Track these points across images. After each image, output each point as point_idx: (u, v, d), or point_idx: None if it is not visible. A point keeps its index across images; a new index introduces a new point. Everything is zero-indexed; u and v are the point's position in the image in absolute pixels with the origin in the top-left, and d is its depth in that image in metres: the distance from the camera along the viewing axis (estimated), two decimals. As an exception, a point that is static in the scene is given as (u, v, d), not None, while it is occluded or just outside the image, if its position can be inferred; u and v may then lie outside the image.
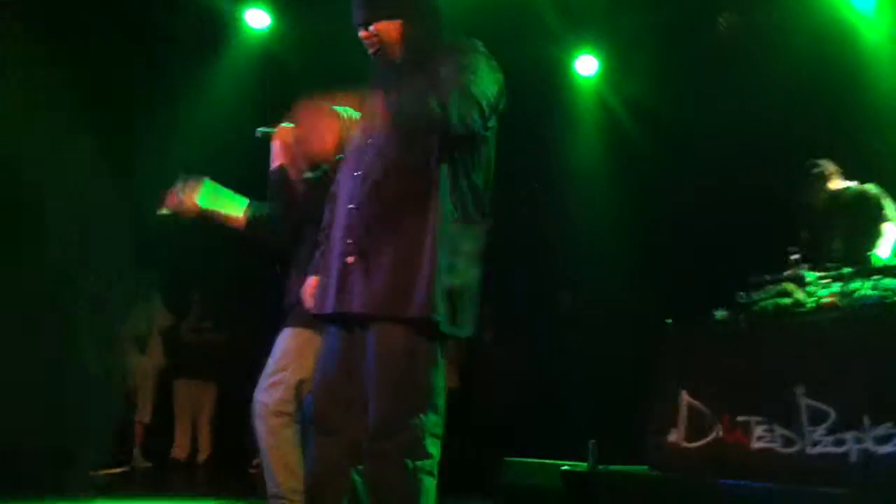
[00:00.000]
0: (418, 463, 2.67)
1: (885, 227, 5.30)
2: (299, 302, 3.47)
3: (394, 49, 2.95)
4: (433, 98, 2.69)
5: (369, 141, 2.90)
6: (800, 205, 5.79)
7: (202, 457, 8.72)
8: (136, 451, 8.38)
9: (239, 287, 9.04)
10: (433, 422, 2.72)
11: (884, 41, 6.92)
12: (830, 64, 6.97)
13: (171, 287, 8.76)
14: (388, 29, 2.94)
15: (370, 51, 2.98)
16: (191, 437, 8.72)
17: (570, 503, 5.23)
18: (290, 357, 3.65)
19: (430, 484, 2.70)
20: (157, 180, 7.77)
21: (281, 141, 3.82)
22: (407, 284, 2.70)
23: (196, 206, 3.79)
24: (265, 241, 3.94)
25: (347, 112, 3.02)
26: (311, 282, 3.06)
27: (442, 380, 2.79)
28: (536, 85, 7.81)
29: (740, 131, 7.37)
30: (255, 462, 8.52)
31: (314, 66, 8.19)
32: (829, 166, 5.68)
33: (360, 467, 2.79)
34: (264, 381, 3.67)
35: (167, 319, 8.61)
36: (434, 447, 2.72)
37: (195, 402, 8.63)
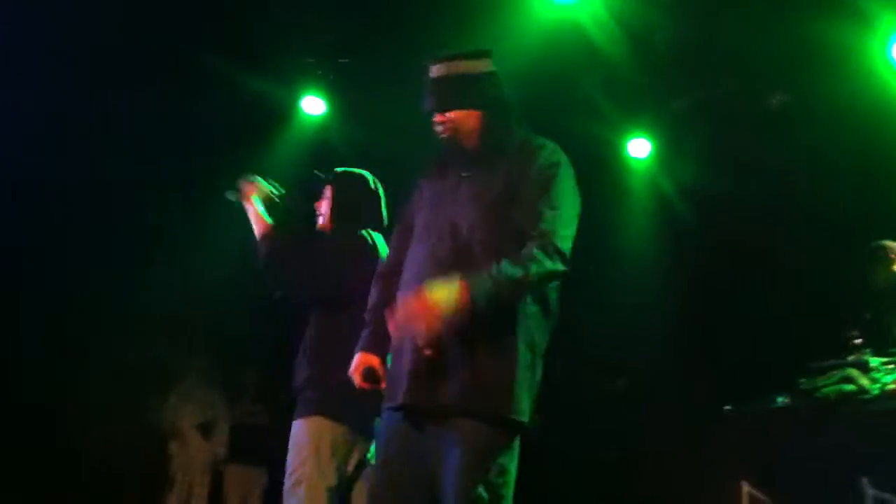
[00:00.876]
0: None
1: None
2: (307, 387, 3.46)
3: (469, 138, 2.96)
4: (517, 271, 2.66)
5: (436, 221, 2.90)
6: (864, 286, 5.68)
7: (250, 543, 8.61)
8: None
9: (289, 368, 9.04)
10: None
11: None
12: (883, 142, 6.90)
13: (224, 370, 8.79)
14: (466, 117, 2.96)
15: (442, 135, 2.99)
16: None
17: None
18: (305, 452, 3.58)
19: None
20: (214, 272, 7.99)
21: (249, 199, 3.92)
22: (496, 381, 2.69)
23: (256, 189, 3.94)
24: (277, 268, 3.87)
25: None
26: (359, 359, 3.03)
27: (516, 469, 2.78)
28: (589, 167, 7.82)
29: (794, 211, 7.30)
30: None
31: (368, 153, 8.32)
32: (893, 247, 5.57)
33: None
34: (287, 482, 3.61)
35: (224, 405, 8.61)
36: None
37: (247, 487, 8.55)
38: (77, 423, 7.83)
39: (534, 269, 2.68)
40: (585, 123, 7.97)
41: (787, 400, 5.01)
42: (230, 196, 3.96)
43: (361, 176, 4.08)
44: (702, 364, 7.60)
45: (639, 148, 8.36)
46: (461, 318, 2.62)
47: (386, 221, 4.06)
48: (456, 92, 2.96)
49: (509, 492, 2.74)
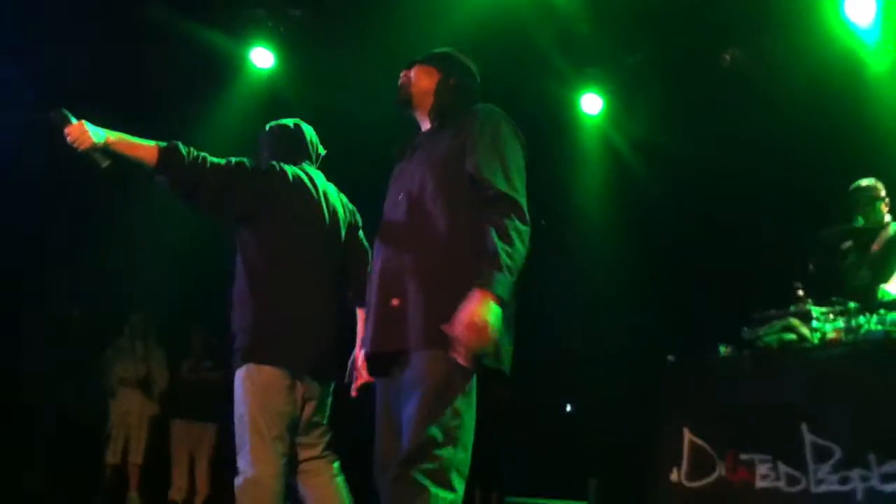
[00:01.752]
0: (441, 493, 2.65)
1: None
2: (235, 338, 3.42)
3: (422, 98, 3.12)
4: (517, 250, 2.73)
5: (399, 194, 2.99)
6: (820, 234, 5.65)
7: (200, 499, 8.58)
8: (133, 494, 8.27)
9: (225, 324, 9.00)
10: (461, 459, 2.72)
11: (886, 73, 6.87)
12: (835, 97, 6.92)
13: (168, 326, 8.72)
14: (425, 75, 3.13)
15: (400, 92, 3.15)
16: (188, 479, 8.59)
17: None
18: (243, 405, 3.50)
19: None
20: (160, 219, 7.89)
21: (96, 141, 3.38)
22: (451, 317, 2.68)
23: (90, 140, 3.34)
24: (181, 185, 3.50)
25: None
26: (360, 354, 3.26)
27: (473, 417, 2.78)
28: (542, 123, 7.80)
29: (744, 166, 7.32)
30: None
31: (317, 107, 8.23)
32: (881, 189, 5.53)
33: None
34: (236, 437, 3.54)
35: (163, 360, 8.56)
36: (459, 484, 2.71)
37: (194, 443, 8.52)
38: (29, 379, 7.75)
39: (518, 238, 2.75)
40: (538, 79, 7.94)
41: (729, 349, 5.04)
42: (105, 165, 3.37)
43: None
44: (652, 315, 7.65)
45: (591, 104, 8.34)
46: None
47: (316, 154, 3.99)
48: (425, 55, 3.18)
49: (465, 436, 2.73)
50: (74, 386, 8.11)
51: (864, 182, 5.55)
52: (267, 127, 3.97)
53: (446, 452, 2.67)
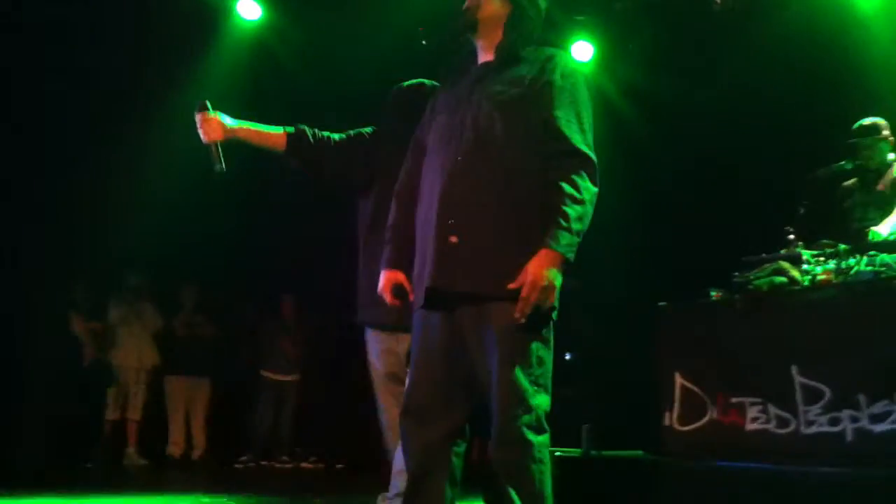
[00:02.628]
0: (539, 438, 2.74)
1: None
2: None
3: (489, 26, 2.99)
4: (585, 210, 2.75)
5: (459, 123, 2.91)
6: (808, 180, 5.58)
7: (197, 453, 8.67)
8: (131, 450, 8.35)
9: (230, 280, 9.01)
10: (547, 401, 2.79)
11: (878, 12, 6.81)
12: (826, 37, 6.87)
13: (162, 283, 8.73)
14: (493, 2, 2.98)
15: (467, 14, 2.99)
16: (185, 434, 8.67)
17: (564, 489, 5.13)
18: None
19: (548, 457, 2.78)
20: (148, 174, 7.86)
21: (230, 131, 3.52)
22: (522, 264, 2.71)
23: (223, 127, 3.46)
24: (309, 166, 3.68)
25: None
26: (386, 277, 3.07)
27: (552, 363, 2.84)
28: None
29: (736, 110, 7.28)
30: (241, 458, 8.53)
31: (305, 59, 8.15)
32: (885, 128, 5.45)
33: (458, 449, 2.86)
34: None
35: (158, 317, 8.59)
36: (547, 424, 2.78)
37: (189, 397, 8.58)
38: (31, 330, 7.76)
39: (589, 200, 2.77)
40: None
41: (720, 294, 5.04)
42: (218, 168, 3.45)
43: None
44: (646, 261, 7.65)
45: (582, 51, 8.26)
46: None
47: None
48: None
49: (549, 382, 2.80)
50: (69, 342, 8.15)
51: (867, 121, 5.48)
52: (393, 88, 3.90)
53: (538, 400, 2.75)
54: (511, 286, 2.69)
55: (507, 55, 2.97)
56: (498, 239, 2.78)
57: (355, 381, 8.94)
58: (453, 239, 2.80)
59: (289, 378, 8.80)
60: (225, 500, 5.76)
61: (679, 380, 4.97)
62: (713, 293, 5.07)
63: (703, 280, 5.27)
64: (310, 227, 8.82)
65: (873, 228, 5.06)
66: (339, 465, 8.86)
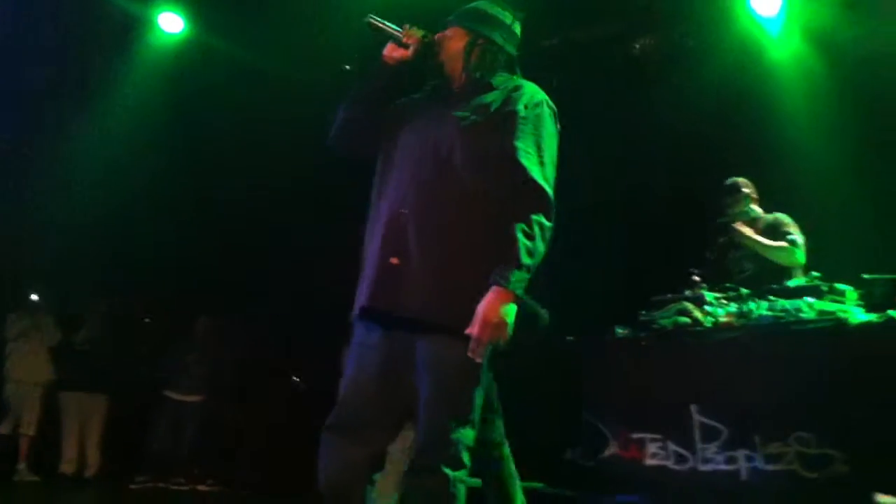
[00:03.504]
0: (457, 473, 2.74)
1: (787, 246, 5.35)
2: None
3: (451, 64, 3.01)
4: (538, 247, 2.72)
5: (417, 147, 2.90)
6: (716, 223, 5.80)
7: (91, 472, 8.41)
8: (22, 466, 8.07)
9: (133, 297, 8.86)
10: (471, 435, 2.78)
11: (788, 61, 7.10)
12: (741, 86, 7.10)
13: (72, 298, 8.52)
14: (453, 39, 3.02)
15: (430, 57, 3.02)
16: (79, 451, 8.41)
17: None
18: None
19: (462, 492, 2.76)
20: (58, 184, 7.68)
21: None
22: (468, 297, 2.68)
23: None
24: None
25: None
26: None
27: (482, 396, 2.81)
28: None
29: (647, 152, 7.45)
30: (137, 479, 8.32)
31: (230, 74, 8.08)
32: (746, 185, 5.73)
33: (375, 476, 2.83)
34: None
35: (57, 331, 8.36)
36: (468, 458, 2.78)
37: (85, 414, 8.34)
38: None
39: (540, 235, 2.74)
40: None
41: (626, 331, 5.14)
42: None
43: None
44: (555, 297, 7.71)
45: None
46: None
47: None
48: (456, 14, 3.07)
49: (476, 416, 2.79)
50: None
51: (729, 181, 5.75)
52: None
53: (460, 434, 2.74)
54: (468, 331, 2.66)
55: (475, 83, 2.97)
56: (440, 266, 2.75)
57: (273, 404, 8.97)
58: (394, 260, 2.78)
59: (190, 399, 8.61)
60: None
61: (584, 415, 5.04)
62: (619, 330, 5.18)
63: (609, 318, 5.37)
64: (240, 243, 8.77)
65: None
66: (237, 490, 8.72)
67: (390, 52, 3.05)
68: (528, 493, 5.08)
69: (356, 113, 3.09)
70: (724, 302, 4.89)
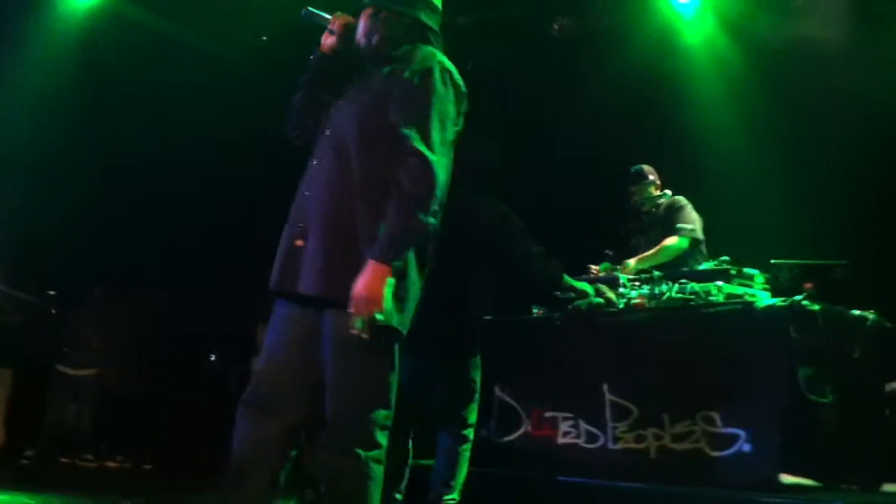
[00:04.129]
0: (370, 453, 2.76)
1: (669, 240, 5.53)
2: None
3: (363, 44, 3.03)
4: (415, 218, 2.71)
5: (327, 132, 2.94)
6: (624, 206, 5.93)
7: (-6, 446, 8.21)
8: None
9: (38, 267, 8.62)
10: (384, 415, 2.80)
11: (701, 45, 7.25)
12: (655, 70, 7.23)
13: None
14: (362, 19, 3.06)
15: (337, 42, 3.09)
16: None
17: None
18: None
19: (378, 471, 2.79)
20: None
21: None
22: (350, 274, 2.70)
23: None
24: None
25: None
26: None
27: (395, 375, 2.83)
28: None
29: (567, 133, 7.53)
30: (27, 453, 8.14)
31: (148, 46, 7.88)
32: (650, 172, 5.86)
33: (294, 452, 2.87)
34: None
35: None
36: (383, 438, 2.80)
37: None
38: None
39: (419, 212, 2.72)
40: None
41: (541, 311, 5.20)
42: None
43: None
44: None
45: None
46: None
47: None
48: None
49: (391, 395, 2.80)
50: None
51: (634, 168, 5.93)
52: None
53: (374, 416, 2.76)
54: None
55: (374, 58, 2.98)
56: (336, 245, 2.79)
57: (176, 376, 8.82)
58: (299, 242, 2.84)
59: (85, 372, 8.38)
60: (24, 498, 5.48)
61: (497, 392, 5.10)
62: (535, 309, 5.24)
63: (525, 297, 5.42)
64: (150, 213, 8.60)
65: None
66: (147, 466, 8.59)
67: (323, 40, 3.11)
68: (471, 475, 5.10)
69: (297, 101, 3.14)
70: (637, 284, 4.98)
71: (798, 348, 4.18)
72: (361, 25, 3.04)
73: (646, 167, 5.91)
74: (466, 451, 4.46)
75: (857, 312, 4.57)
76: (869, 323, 4.56)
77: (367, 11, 3.04)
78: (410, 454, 4.40)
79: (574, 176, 7.47)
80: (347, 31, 3.07)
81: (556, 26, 7.91)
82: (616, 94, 7.21)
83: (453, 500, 4.40)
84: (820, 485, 4.09)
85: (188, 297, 8.86)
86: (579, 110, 7.45)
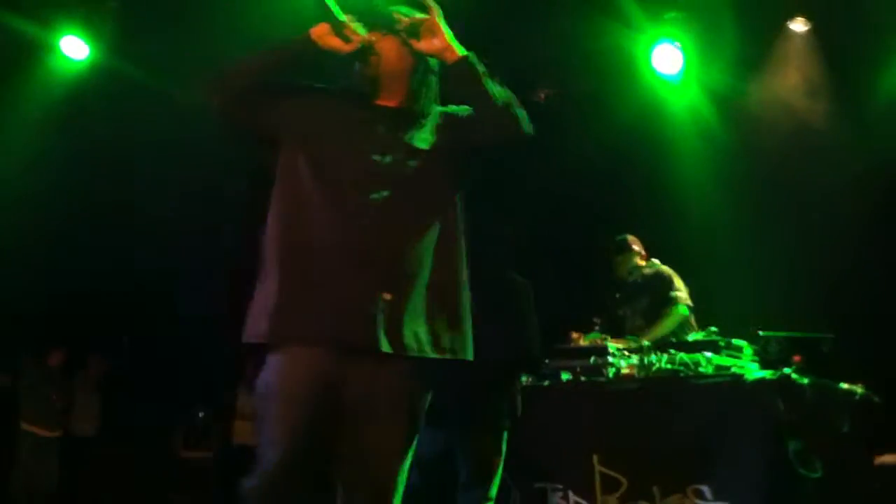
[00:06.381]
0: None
1: (671, 310, 5.58)
2: None
3: (389, 83, 2.81)
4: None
5: (387, 159, 2.73)
6: (610, 275, 5.98)
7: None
8: None
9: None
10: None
11: (685, 114, 7.36)
12: (640, 137, 7.31)
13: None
14: (396, 55, 2.81)
15: (364, 67, 2.80)
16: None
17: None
18: None
19: None
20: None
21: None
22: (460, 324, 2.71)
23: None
24: None
25: None
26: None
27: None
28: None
29: (553, 199, 7.58)
30: None
31: (137, 101, 7.89)
32: (634, 242, 5.92)
33: None
34: None
35: None
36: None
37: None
38: None
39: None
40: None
41: (529, 379, 5.18)
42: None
43: None
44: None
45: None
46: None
47: None
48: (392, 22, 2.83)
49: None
50: None
51: (618, 238, 6.00)
52: None
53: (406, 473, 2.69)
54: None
55: (422, 109, 2.83)
56: (439, 300, 2.68)
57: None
58: (387, 296, 2.60)
59: (51, 434, 8.44)
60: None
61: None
62: (523, 378, 5.22)
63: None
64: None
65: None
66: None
67: (323, 35, 2.76)
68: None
69: (258, 77, 2.79)
70: (626, 354, 4.99)
71: (787, 422, 4.20)
72: (395, 65, 2.81)
73: (629, 237, 5.97)
74: None
75: (845, 386, 4.61)
76: (857, 397, 4.59)
77: (401, 52, 2.81)
78: None
79: (559, 245, 7.51)
80: (361, 50, 2.80)
81: (541, 95, 8.00)
82: (598, 160, 7.30)
83: None
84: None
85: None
86: (562, 179, 7.52)
